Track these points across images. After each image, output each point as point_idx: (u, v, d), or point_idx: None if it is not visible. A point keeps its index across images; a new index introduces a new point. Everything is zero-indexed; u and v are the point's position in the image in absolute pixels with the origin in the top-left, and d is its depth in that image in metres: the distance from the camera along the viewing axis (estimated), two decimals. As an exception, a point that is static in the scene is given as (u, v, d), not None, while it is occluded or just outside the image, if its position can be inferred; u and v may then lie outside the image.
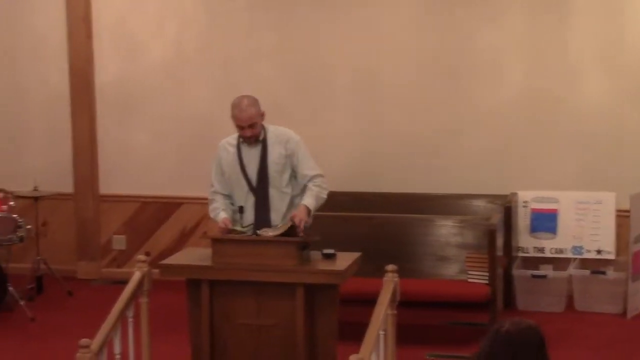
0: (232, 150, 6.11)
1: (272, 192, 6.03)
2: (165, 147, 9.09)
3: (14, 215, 8.07)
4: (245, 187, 6.05)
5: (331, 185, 8.19)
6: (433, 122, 8.44)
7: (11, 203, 8.15)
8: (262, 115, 6.07)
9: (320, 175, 6.13)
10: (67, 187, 9.19)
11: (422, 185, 8.36)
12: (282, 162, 6.04)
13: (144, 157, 9.15)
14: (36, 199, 8.50)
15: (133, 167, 9.18)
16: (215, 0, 8.91)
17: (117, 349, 5.37)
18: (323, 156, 8.39)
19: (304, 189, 6.08)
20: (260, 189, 6.03)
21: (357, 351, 4.71)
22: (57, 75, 9.19)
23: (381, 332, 5.20)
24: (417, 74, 8.46)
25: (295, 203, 6.05)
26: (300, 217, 5.81)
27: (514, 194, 8.17)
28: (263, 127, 6.09)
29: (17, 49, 9.31)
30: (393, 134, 8.52)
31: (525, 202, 8.21)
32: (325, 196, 6.10)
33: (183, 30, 8.97)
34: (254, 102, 6.03)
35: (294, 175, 6.12)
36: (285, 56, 8.74)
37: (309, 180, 6.07)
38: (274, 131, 6.13)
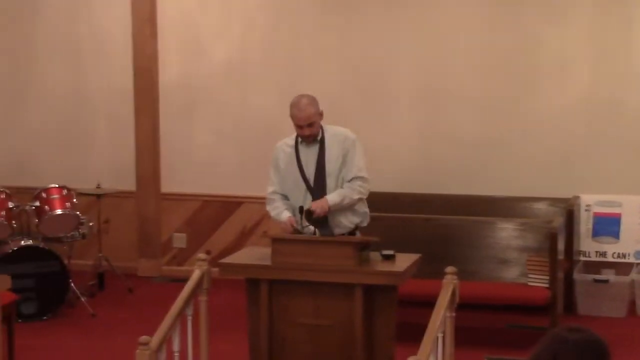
0: (290, 150, 6.11)
1: (330, 192, 6.02)
2: (226, 146, 9.13)
3: (77, 213, 8.16)
4: (303, 187, 6.04)
5: (392, 187, 8.26)
6: (496, 123, 8.38)
7: (74, 200, 8.22)
8: (320, 114, 6.06)
9: (360, 178, 6.05)
10: (130, 185, 9.27)
11: (483, 187, 8.31)
12: (340, 161, 6.02)
13: (205, 156, 9.19)
14: (99, 196, 8.59)
15: (194, 166, 9.23)
16: (280, 1, 8.94)
17: (176, 346, 5.40)
18: (384, 157, 8.42)
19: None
20: (318, 188, 6.03)
21: (415, 353, 4.70)
22: (121, 75, 9.27)
23: (440, 334, 5.18)
24: (479, 75, 8.41)
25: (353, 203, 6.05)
26: (318, 205, 5.86)
27: (577, 197, 8.08)
28: (321, 127, 6.09)
29: (82, 48, 9.41)
30: (455, 135, 8.47)
31: (588, 205, 8.12)
32: (355, 197, 6.02)
33: (247, 31, 9.00)
34: (313, 101, 6.02)
35: None
36: (349, 58, 8.73)
37: (349, 181, 6.04)
38: (331, 130, 6.12)
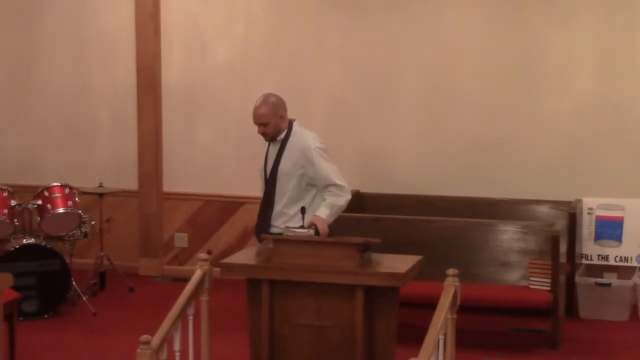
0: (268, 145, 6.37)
1: (278, 193, 6.20)
2: (229, 146, 9.12)
3: (79, 211, 8.15)
4: (262, 179, 6.33)
5: (394, 188, 8.28)
6: (499, 126, 8.36)
7: (76, 199, 8.22)
8: (281, 117, 6.21)
9: (332, 185, 6.17)
10: (132, 184, 9.27)
11: (486, 189, 8.30)
12: (298, 165, 6.18)
13: (208, 156, 9.19)
14: (101, 195, 8.58)
15: (197, 165, 9.23)
16: (283, 1, 8.93)
17: (177, 346, 5.39)
18: (387, 159, 8.44)
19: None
20: (270, 183, 6.25)
21: (416, 355, 4.69)
22: (124, 73, 9.27)
23: (440, 337, 5.16)
24: (483, 77, 8.39)
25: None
26: (321, 227, 6.02)
27: (579, 201, 8.07)
28: (290, 129, 6.23)
29: (86, 46, 9.41)
30: (458, 137, 8.46)
31: (590, 208, 8.10)
32: (341, 203, 6.18)
33: (250, 31, 9.00)
34: (273, 103, 6.20)
35: (308, 182, 6.22)
36: (352, 57, 8.72)
37: (326, 189, 6.18)
38: (298, 134, 6.24)
